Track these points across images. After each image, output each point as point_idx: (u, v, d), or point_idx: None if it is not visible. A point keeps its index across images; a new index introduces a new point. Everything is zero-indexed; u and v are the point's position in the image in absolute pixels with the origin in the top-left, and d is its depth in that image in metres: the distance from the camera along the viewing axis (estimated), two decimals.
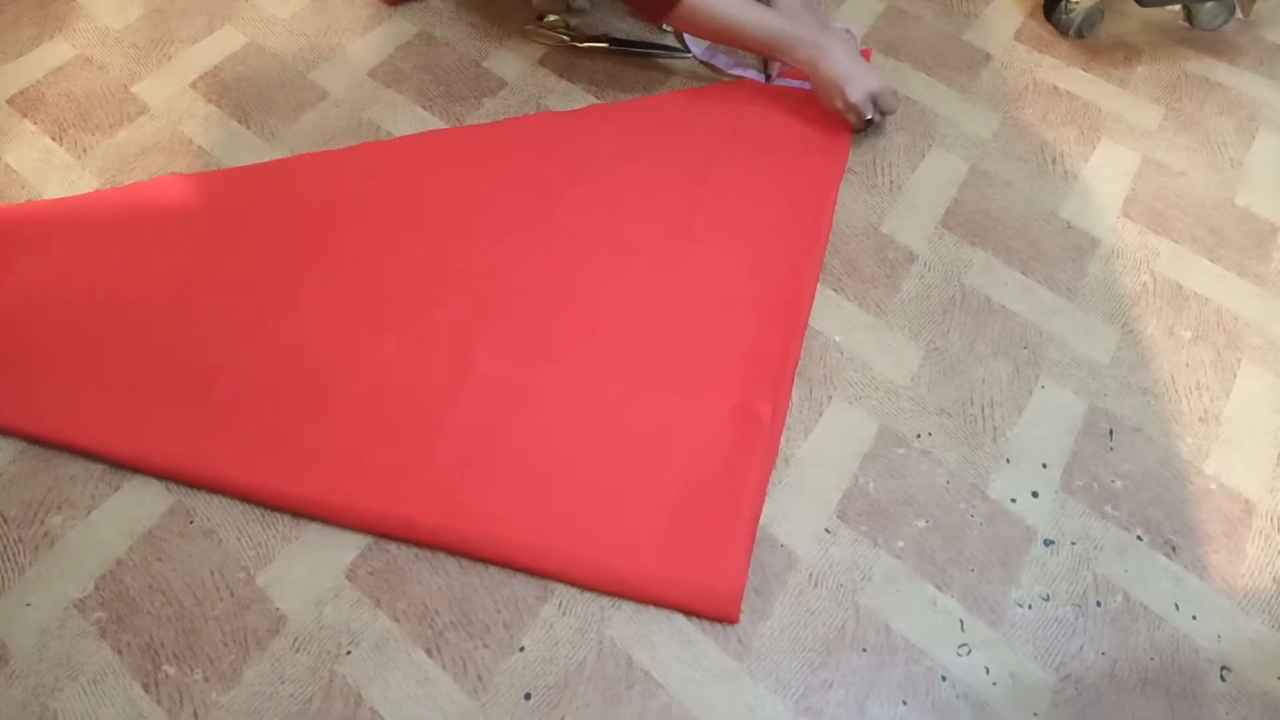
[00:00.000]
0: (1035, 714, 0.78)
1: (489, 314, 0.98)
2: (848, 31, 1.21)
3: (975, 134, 1.18)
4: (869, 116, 1.12)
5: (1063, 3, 1.27)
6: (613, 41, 1.24)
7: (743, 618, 0.82)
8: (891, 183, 1.13)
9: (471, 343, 0.95)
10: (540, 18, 1.25)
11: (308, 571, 0.83)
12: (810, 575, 0.84)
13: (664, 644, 0.80)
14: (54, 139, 1.13)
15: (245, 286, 0.99)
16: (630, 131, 1.15)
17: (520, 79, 1.22)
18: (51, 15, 1.27)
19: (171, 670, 0.78)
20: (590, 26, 1.26)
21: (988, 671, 0.80)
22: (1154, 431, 0.94)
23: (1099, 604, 0.84)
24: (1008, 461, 0.91)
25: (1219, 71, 1.26)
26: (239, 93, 1.19)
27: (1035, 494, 0.89)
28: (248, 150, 1.13)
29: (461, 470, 0.87)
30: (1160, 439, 0.93)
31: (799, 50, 1.09)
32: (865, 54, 1.25)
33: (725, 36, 1.11)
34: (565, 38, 1.24)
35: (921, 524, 0.88)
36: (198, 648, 0.79)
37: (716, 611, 0.81)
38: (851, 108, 1.10)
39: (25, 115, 1.16)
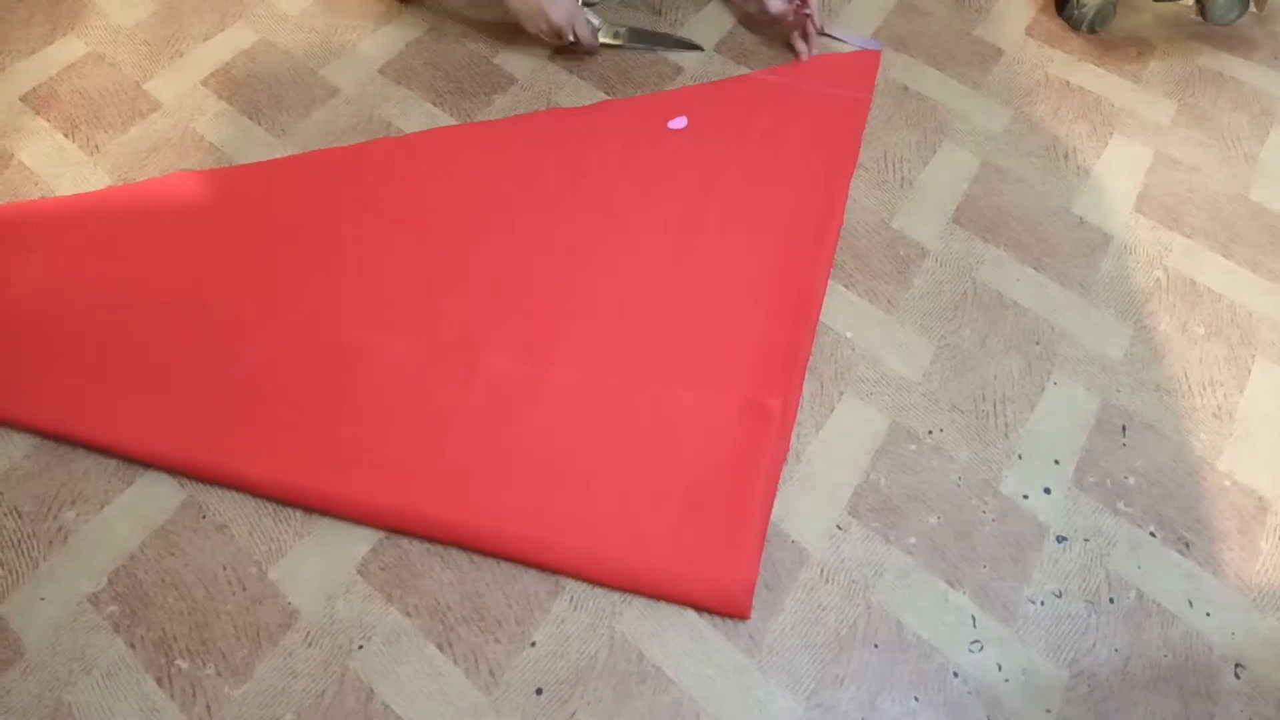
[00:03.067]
0: (1048, 711, 0.78)
1: (498, 309, 0.98)
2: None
3: (987, 129, 1.18)
4: (570, 40, 1.17)
5: None
6: (629, 35, 1.24)
7: (754, 614, 0.82)
8: (903, 178, 1.12)
9: (480, 338, 0.95)
10: None
11: (319, 566, 0.84)
12: (821, 571, 0.84)
13: (675, 639, 0.80)
14: (66, 136, 1.14)
15: (256, 282, 0.99)
16: (640, 127, 1.15)
17: (530, 75, 1.22)
18: (64, 13, 1.28)
19: (184, 664, 0.79)
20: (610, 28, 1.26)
21: (1000, 668, 0.80)
22: (1167, 428, 0.93)
23: (1112, 601, 0.83)
24: (1020, 458, 0.91)
25: (1233, 66, 1.26)
26: (250, 90, 1.20)
27: (1047, 490, 0.89)
28: (259, 147, 1.13)
29: (471, 465, 0.87)
30: (1173, 435, 0.93)
31: None
32: (875, 53, 1.25)
33: None
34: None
35: (933, 520, 0.87)
36: (210, 642, 0.80)
37: (728, 607, 0.81)
38: (554, 29, 1.16)
39: (38, 112, 1.16)
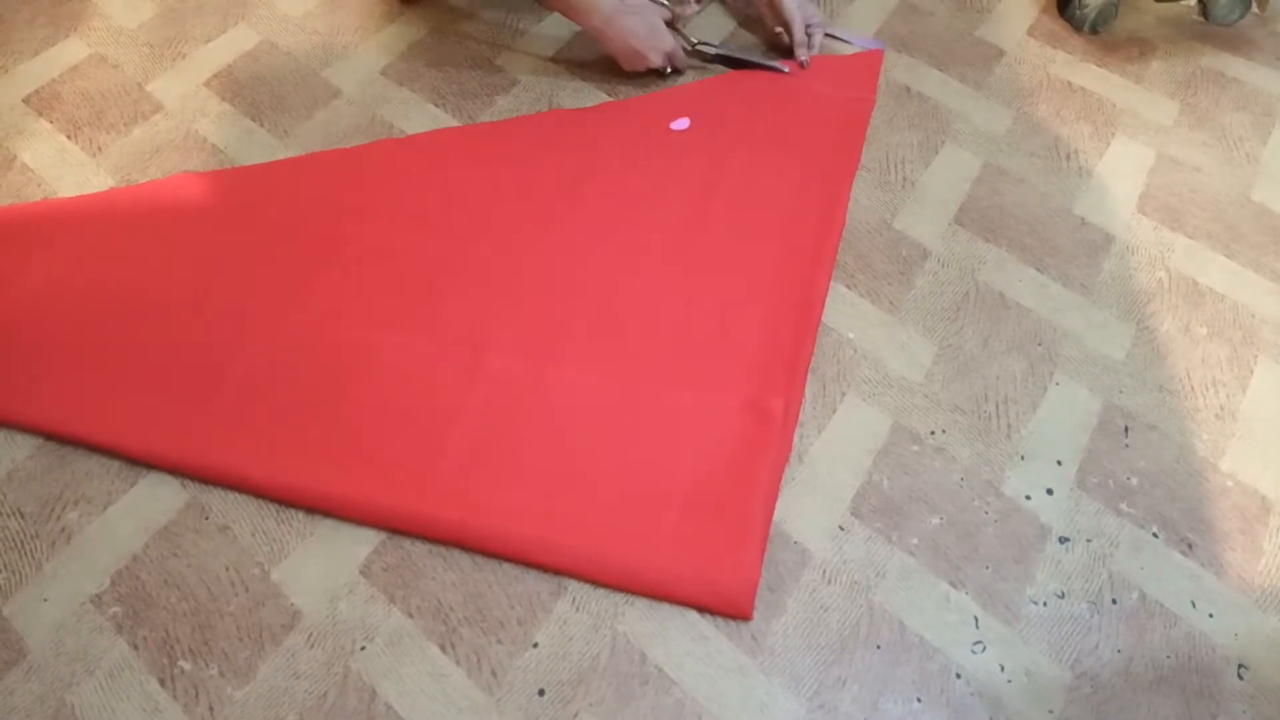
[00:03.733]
0: (1050, 711, 0.78)
1: (501, 310, 0.98)
2: None
3: (988, 130, 1.18)
4: (668, 71, 1.20)
5: None
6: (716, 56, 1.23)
7: (756, 615, 0.82)
8: (904, 179, 1.12)
9: (483, 339, 0.95)
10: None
11: (322, 567, 0.84)
12: (824, 572, 0.84)
13: (677, 640, 0.80)
14: (69, 137, 1.14)
15: (259, 284, 0.99)
16: (643, 128, 1.15)
17: (532, 76, 1.22)
18: (66, 14, 1.28)
19: (187, 665, 0.79)
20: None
21: (1002, 669, 0.80)
22: (1169, 428, 0.93)
23: (1114, 601, 0.83)
24: (1022, 458, 0.91)
25: (1235, 66, 1.26)
26: (252, 91, 1.20)
27: (1050, 491, 0.89)
28: (261, 148, 1.13)
29: (474, 466, 0.87)
30: (1176, 436, 0.93)
31: (592, 17, 1.14)
32: (878, 54, 1.25)
33: None
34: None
35: (935, 521, 0.87)
36: (213, 643, 0.80)
37: (730, 608, 0.81)
38: (654, 68, 1.19)
39: (41, 114, 1.16)
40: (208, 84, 1.20)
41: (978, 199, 1.11)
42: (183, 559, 0.84)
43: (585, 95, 1.20)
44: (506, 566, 0.84)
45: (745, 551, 0.83)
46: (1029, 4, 1.33)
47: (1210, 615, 0.83)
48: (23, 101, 1.18)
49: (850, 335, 0.99)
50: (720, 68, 1.23)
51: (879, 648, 0.81)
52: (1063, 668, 0.80)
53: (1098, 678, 0.80)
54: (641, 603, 0.82)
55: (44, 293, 0.98)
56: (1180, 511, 0.88)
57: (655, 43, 1.16)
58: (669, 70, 1.20)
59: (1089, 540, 0.86)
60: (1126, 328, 1.00)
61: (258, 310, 0.97)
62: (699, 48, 1.22)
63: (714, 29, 1.28)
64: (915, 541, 0.86)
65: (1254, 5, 1.25)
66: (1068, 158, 1.15)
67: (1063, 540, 0.86)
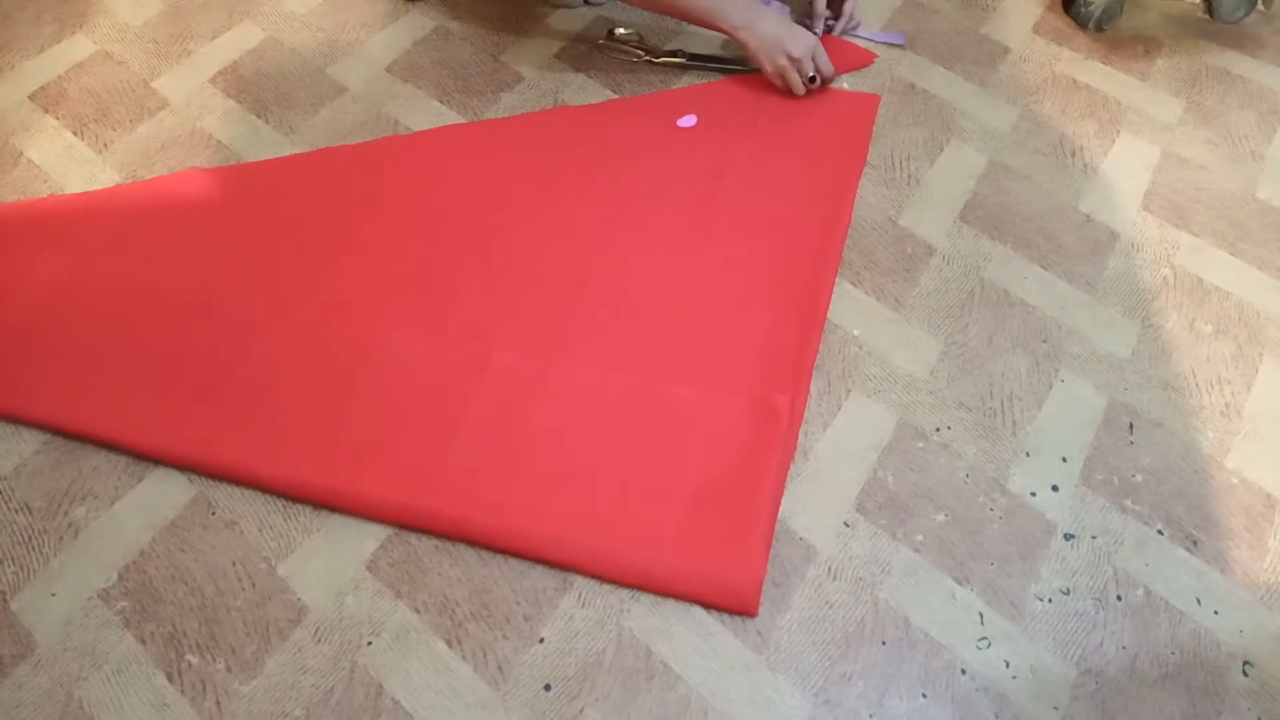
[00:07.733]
0: (1055, 707, 0.78)
1: (507, 307, 0.98)
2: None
3: (994, 127, 1.18)
4: (810, 74, 1.15)
5: None
6: (688, 56, 1.23)
7: (762, 610, 0.82)
8: (910, 176, 1.12)
9: (489, 335, 0.95)
10: (611, 33, 1.25)
11: (329, 562, 0.84)
12: (829, 568, 0.84)
13: (683, 636, 0.81)
14: (75, 134, 1.14)
15: (265, 279, 1.00)
16: (649, 125, 1.15)
17: (537, 73, 1.22)
18: (72, 11, 1.28)
19: (194, 660, 0.79)
20: (662, 40, 1.25)
21: (1008, 665, 0.80)
22: (1175, 426, 0.93)
23: (1119, 598, 0.83)
24: (1027, 455, 0.91)
25: (1240, 64, 1.26)
26: (258, 88, 1.20)
27: (1055, 488, 0.89)
28: (266, 145, 1.14)
29: (480, 462, 0.87)
30: (1181, 433, 0.93)
31: (732, 17, 1.12)
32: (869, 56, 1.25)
33: (660, 5, 1.14)
34: (640, 53, 1.23)
35: (941, 518, 0.87)
36: (220, 638, 0.80)
37: (735, 604, 0.81)
38: (796, 62, 1.14)
39: (47, 110, 1.17)
40: (213, 81, 1.21)
41: (983, 196, 1.11)
42: (189, 554, 0.84)
43: (590, 92, 1.20)
44: (512, 562, 0.84)
45: (751, 547, 0.83)
46: (1034, 1, 1.33)
47: (1215, 612, 0.83)
48: (29, 98, 1.18)
49: (855, 332, 0.99)
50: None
51: (884, 644, 0.81)
52: (1068, 664, 0.80)
53: (1103, 674, 0.80)
54: (647, 598, 0.82)
55: (51, 288, 0.99)
56: (1185, 508, 0.88)
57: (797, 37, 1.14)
58: (811, 75, 1.15)
59: (1094, 537, 0.87)
60: (1131, 325, 1.00)
61: (263, 306, 0.97)
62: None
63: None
64: (920, 538, 0.86)
65: (1260, 2, 1.25)
66: (1073, 155, 1.15)
67: (1068, 537, 0.87)
